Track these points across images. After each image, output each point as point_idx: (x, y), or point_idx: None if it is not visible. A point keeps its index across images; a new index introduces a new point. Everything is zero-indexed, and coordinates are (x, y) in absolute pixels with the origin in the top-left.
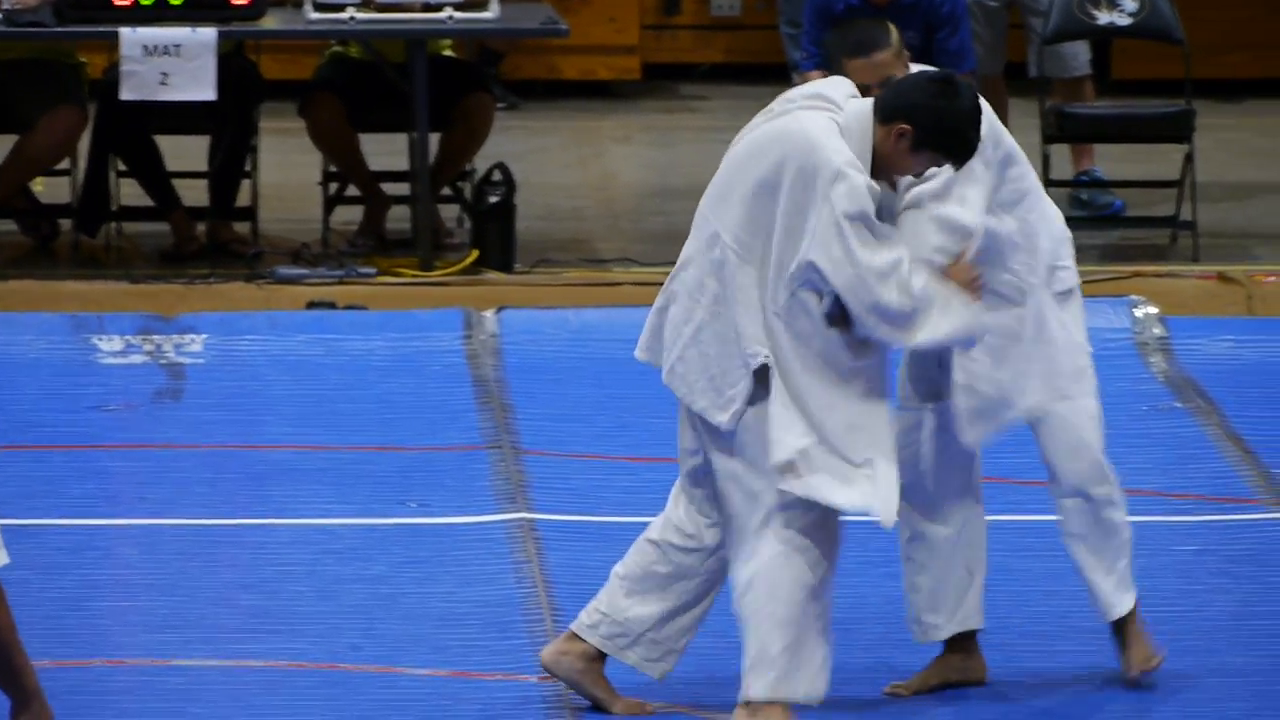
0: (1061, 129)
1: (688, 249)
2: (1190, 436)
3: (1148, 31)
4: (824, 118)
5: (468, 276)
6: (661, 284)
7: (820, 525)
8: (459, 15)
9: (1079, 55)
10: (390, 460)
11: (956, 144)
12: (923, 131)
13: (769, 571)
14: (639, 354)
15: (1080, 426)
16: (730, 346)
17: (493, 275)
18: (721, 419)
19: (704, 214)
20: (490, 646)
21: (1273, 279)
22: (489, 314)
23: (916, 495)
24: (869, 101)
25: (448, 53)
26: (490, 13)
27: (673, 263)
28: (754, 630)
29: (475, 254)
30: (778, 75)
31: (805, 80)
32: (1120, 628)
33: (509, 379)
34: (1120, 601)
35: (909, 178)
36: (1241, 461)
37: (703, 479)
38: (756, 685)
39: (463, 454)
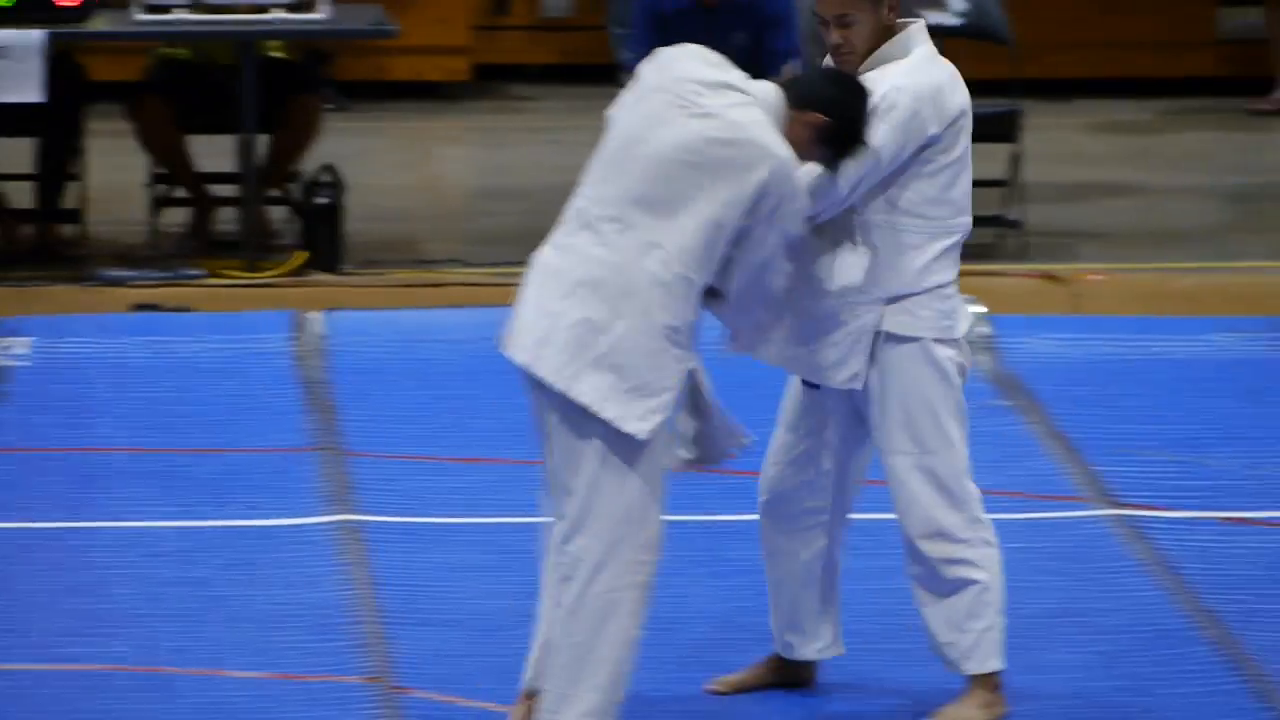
0: None
1: (596, 250)
2: (1014, 435)
3: (976, 32)
4: (761, 114)
5: (296, 278)
6: (492, 284)
7: (651, 563)
8: (287, 16)
9: None
10: (216, 462)
11: (855, 146)
12: (835, 127)
13: (602, 617)
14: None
15: (908, 482)
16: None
17: (321, 276)
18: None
19: (626, 216)
20: (314, 648)
21: (1099, 277)
22: (317, 315)
23: (782, 513)
24: (773, 86)
25: (276, 54)
26: (319, 14)
27: (504, 263)
28: (571, 675)
29: (304, 255)
30: (608, 76)
31: None
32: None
33: (336, 380)
34: (965, 659)
35: None
36: (1064, 459)
37: None
38: None
39: (289, 456)
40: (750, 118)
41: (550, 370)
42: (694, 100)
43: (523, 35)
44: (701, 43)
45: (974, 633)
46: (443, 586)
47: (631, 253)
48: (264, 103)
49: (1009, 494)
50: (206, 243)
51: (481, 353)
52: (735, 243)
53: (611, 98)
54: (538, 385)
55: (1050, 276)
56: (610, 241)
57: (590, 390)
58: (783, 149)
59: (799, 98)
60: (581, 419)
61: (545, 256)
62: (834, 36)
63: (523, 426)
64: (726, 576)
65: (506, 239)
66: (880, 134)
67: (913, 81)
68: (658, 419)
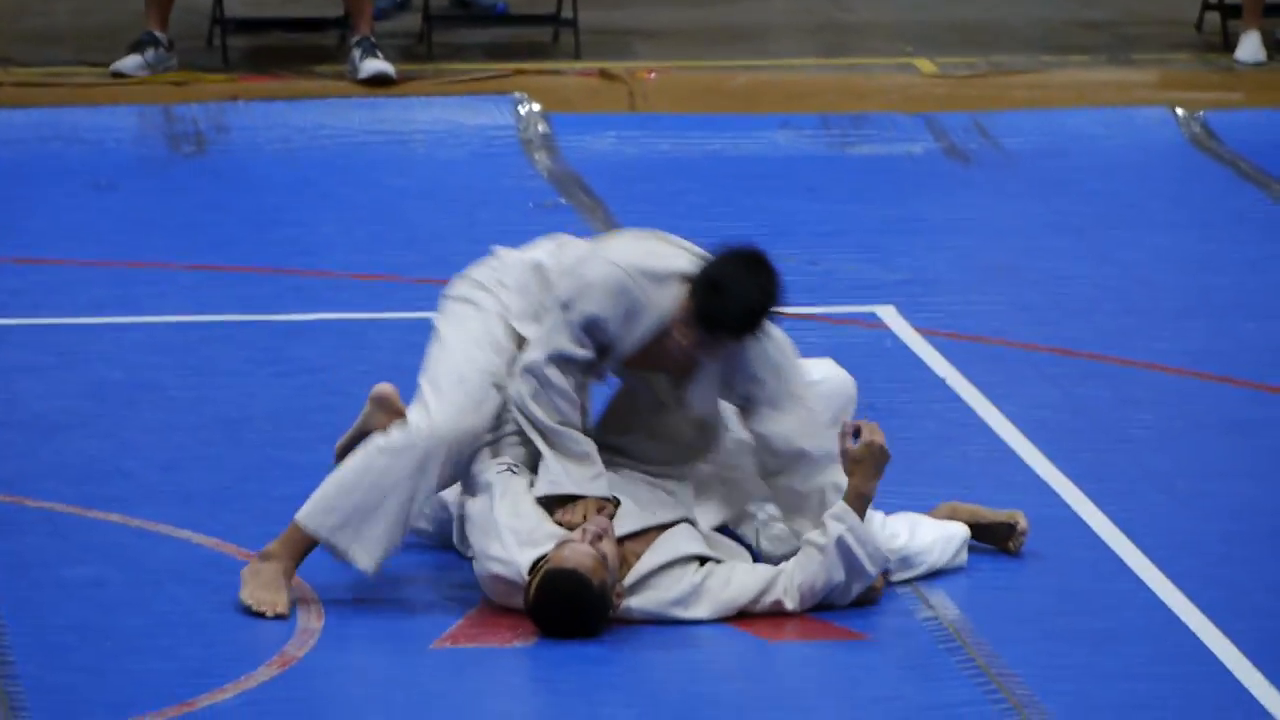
0: None
1: None
2: (574, 231)
3: None
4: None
5: None
6: (40, 85)
7: None
8: None
9: None
10: None
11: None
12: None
13: None
14: None
15: None
16: None
17: None
18: None
19: None
20: None
21: (654, 75)
22: None
23: None
24: None
25: None
26: None
27: (56, 63)
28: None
29: None
30: None
31: None
32: None
33: None
34: None
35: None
36: None
37: None
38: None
39: None
40: None
41: None
42: None
43: None
44: None
45: None
46: (0, 387)
47: None
48: None
49: None
50: None
51: (36, 154)
52: None
53: None
54: None
55: (606, 74)
56: None
57: None
58: None
59: None
60: None
61: None
62: None
63: (78, 227)
64: (292, 375)
65: (55, 38)
66: None
67: None
68: None
